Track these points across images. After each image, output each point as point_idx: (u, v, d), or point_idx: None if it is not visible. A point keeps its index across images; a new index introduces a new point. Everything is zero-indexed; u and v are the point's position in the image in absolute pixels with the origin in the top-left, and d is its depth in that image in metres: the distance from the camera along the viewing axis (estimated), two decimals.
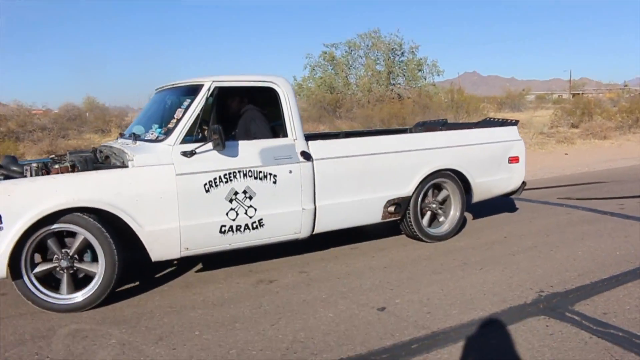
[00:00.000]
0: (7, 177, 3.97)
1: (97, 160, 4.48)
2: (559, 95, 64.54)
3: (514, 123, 6.05)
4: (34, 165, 4.15)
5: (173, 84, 4.94)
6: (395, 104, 23.73)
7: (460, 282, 4.10)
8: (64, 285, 3.86)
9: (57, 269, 3.84)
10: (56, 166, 4.15)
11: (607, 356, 2.85)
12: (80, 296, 3.85)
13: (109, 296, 3.95)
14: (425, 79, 31.92)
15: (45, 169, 4.16)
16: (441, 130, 6.30)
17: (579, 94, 56.51)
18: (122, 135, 5.05)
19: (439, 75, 33.17)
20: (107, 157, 4.50)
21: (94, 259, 3.91)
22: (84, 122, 26.41)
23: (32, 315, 3.75)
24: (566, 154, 14.17)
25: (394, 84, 31.27)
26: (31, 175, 3.98)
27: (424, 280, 4.18)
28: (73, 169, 4.10)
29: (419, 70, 31.52)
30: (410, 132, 6.60)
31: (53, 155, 5.05)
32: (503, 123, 6.12)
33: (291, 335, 3.25)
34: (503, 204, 6.93)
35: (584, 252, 4.77)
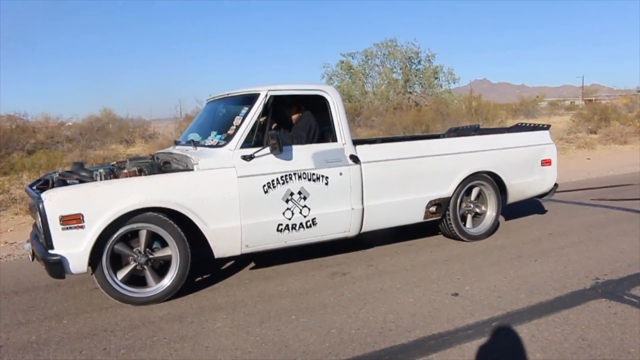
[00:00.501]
0: (80, 181, 4.38)
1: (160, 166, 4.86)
2: (571, 102, 64.64)
3: (546, 128, 6.39)
4: (102, 170, 4.58)
5: (227, 94, 5.35)
6: (416, 112, 24.09)
7: (520, 272, 4.49)
8: (150, 278, 4.24)
9: (137, 267, 4.20)
10: (125, 171, 4.56)
11: None
12: (167, 280, 4.23)
13: (197, 287, 4.39)
14: (441, 87, 32.29)
15: (112, 174, 4.58)
16: (474, 135, 6.65)
17: (591, 100, 56.61)
18: (177, 143, 5.48)
19: (454, 82, 33.61)
20: (166, 162, 4.90)
21: (163, 245, 4.27)
22: (108, 133, 26.81)
23: (123, 306, 4.15)
24: (588, 158, 14.47)
25: (410, 92, 31.70)
26: (101, 180, 4.35)
27: (486, 271, 4.58)
28: (140, 173, 4.50)
29: (436, 78, 31.93)
30: (443, 137, 6.92)
31: (114, 162, 5.48)
32: (535, 128, 6.46)
33: (381, 317, 3.65)
34: (536, 206, 7.30)
35: (629, 246, 5.14)
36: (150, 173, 4.45)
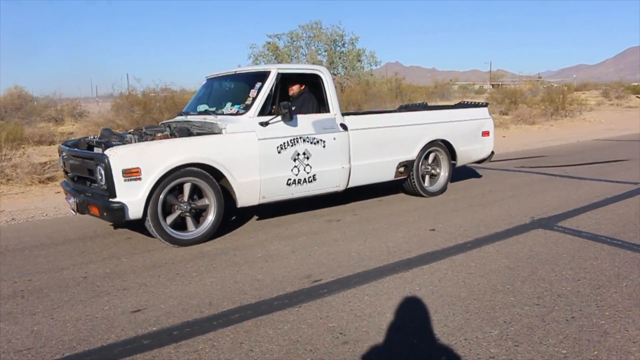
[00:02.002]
0: (117, 144, 5.06)
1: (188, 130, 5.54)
2: (480, 86, 68.62)
3: (485, 105, 7.81)
4: (131, 135, 5.49)
5: (234, 72, 6.35)
6: (341, 92, 25.36)
7: (475, 215, 5.85)
8: (191, 223, 5.15)
9: (182, 214, 5.10)
10: (159, 134, 5.37)
11: (586, 245, 4.65)
12: (206, 225, 5.16)
13: (218, 235, 5.40)
14: (363, 69, 33.80)
15: (143, 138, 5.37)
16: (426, 111, 7.88)
17: (498, 84, 60.48)
18: (185, 113, 6.38)
19: (376, 65, 35.34)
20: (186, 129, 5.56)
21: (200, 197, 5.18)
22: (32, 111, 25.98)
23: (165, 247, 5.08)
24: (504, 136, 16.36)
25: (335, 74, 32.96)
26: (135, 142, 5.18)
27: (449, 215, 5.91)
28: (172, 136, 5.29)
29: (359, 61, 33.38)
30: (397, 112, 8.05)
31: (131, 130, 6.22)
32: (476, 105, 7.85)
33: (384, 244, 4.85)
34: (472, 172, 8.77)
35: (551, 198, 6.66)
36: (181, 136, 5.29)
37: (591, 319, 3.18)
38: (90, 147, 5.58)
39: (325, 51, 33.13)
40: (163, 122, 6.56)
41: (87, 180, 5.31)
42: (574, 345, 2.87)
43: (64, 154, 5.68)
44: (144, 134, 5.57)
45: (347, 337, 3.05)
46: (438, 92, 45.45)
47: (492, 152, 7.72)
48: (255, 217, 6.19)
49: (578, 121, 21.07)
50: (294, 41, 33.51)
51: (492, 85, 64.71)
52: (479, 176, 8.56)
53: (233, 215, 6.17)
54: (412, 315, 3.32)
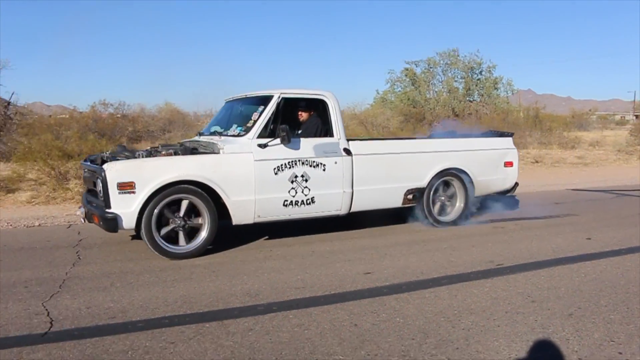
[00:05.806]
0: (128, 159, 5.34)
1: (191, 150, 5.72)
2: (621, 117, 65.20)
3: (510, 135, 7.65)
4: (142, 152, 5.67)
5: (245, 95, 6.53)
6: (490, 120, 25.79)
7: (627, 230, 6.70)
8: (182, 239, 5.34)
9: (175, 228, 5.30)
10: (163, 152, 5.55)
11: None
12: (198, 241, 5.38)
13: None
14: (499, 96, 34.01)
15: (151, 155, 5.52)
16: (448, 138, 7.49)
17: None
18: (201, 134, 6.61)
19: (512, 93, 35.44)
20: (193, 148, 5.82)
21: (196, 216, 5.38)
22: (189, 124, 28.90)
23: (364, 236, 6.47)
24: None
25: (470, 100, 33.47)
26: (143, 158, 5.33)
27: (602, 229, 6.82)
28: (175, 154, 5.51)
29: (495, 89, 33.66)
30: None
31: (149, 147, 6.42)
32: (502, 134, 7.74)
33: (548, 246, 5.94)
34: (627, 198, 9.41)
35: None
36: (184, 154, 5.55)
37: None
38: (104, 162, 5.57)
39: (462, 78, 33.83)
40: (182, 141, 6.89)
41: (95, 192, 5.54)
42: None
43: (84, 168, 6.08)
44: (154, 152, 5.75)
45: (534, 299, 4.22)
46: (576, 122, 44.07)
47: (516, 184, 7.52)
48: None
49: None
50: (431, 67, 34.60)
51: (636, 116, 61.20)
52: (630, 201, 9.23)
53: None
54: (582, 290, 4.40)
